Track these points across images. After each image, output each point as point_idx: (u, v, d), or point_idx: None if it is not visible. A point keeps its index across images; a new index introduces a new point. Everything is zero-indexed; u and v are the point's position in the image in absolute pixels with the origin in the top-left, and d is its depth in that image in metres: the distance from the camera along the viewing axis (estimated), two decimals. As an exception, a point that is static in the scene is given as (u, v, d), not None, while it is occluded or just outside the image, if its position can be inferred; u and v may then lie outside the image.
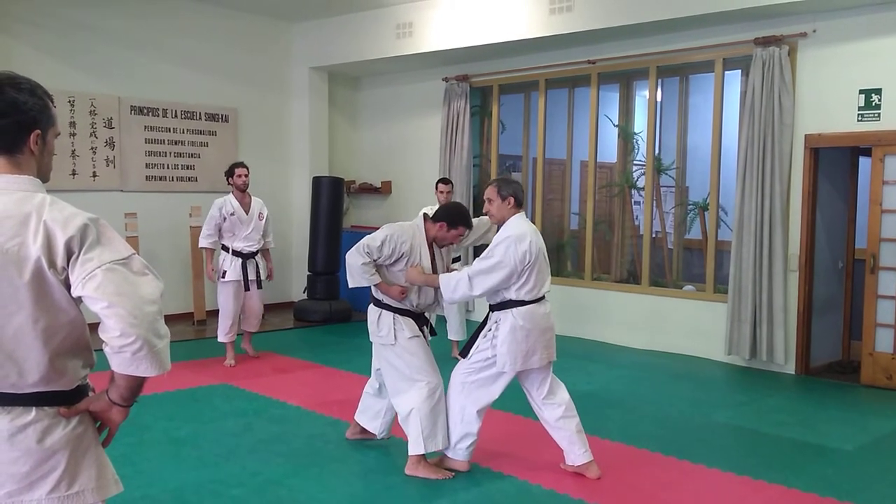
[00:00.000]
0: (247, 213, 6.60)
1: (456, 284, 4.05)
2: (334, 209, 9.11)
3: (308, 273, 9.20)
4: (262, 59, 9.47)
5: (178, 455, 4.42)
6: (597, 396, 5.83)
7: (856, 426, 5.27)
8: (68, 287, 1.72)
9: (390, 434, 4.60)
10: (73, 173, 7.93)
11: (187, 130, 8.86)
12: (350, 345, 7.67)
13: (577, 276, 8.45)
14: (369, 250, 4.15)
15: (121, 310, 1.66)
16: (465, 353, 4.22)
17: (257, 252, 6.67)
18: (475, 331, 4.25)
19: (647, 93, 7.92)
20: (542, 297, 4.12)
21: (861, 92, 6.30)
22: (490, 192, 4.19)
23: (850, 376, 6.63)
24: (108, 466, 1.90)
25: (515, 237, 4.00)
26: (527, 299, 4.04)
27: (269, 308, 8.48)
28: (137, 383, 1.80)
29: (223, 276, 6.55)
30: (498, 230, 4.19)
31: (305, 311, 8.96)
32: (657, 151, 7.87)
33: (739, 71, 7.19)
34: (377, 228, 4.35)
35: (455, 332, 6.97)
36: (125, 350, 1.69)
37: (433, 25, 8.42)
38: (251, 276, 6.63)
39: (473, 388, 4.13)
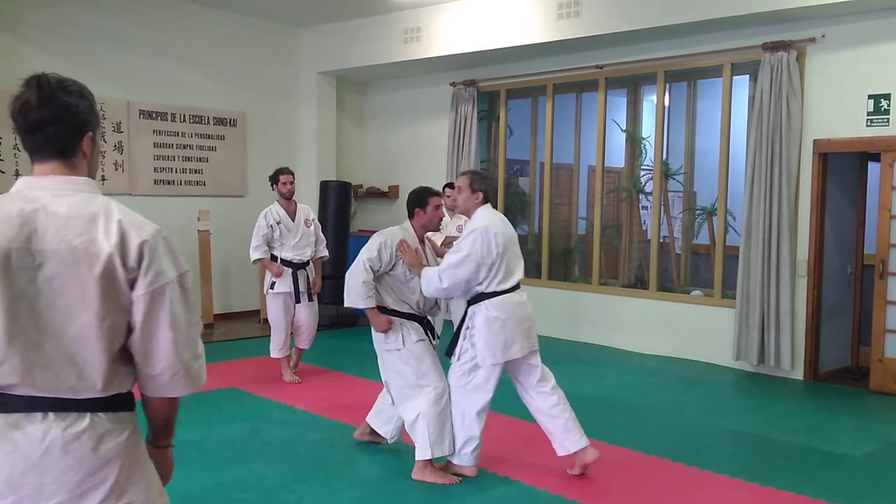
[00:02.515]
0: (293, 220, 6.34)
1: (429, 279, 4.08)
2: (341, 213, 9.13)
3: (315, 277, 9.21)
4: (270, 64, 9.51)
5: (186, 459, 4.41)
6: (604, 401, 5.81)
7: (865, 432, 5.24)
8: (131, 289, 1.70)
9: (399, 439, 4.60)
10: (83, 177, 7.96)
11: (196, 135, 8.89)
12: (357, 349, 7.66)
13: (584, 280, 8.44)
14: (370, 262, 4.18)
15: (178, 335, 1.70)
16: (449, 351, 4.22)
17: (308, 262, 6.39)
18: (455, 329, 4.25)
19: (654, 97, 7.91)
20: (517, 286, 4.12)
21: (870, 97, 6.28)
22: (462, 182, 4.21)
23: (858, 382, 6.60)
24: (157, 479, 1.86)
25: (482, 229, 4.02)
26: (498, 290, 4.04)
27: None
28: (172, 410, 1.84)
29: (272, 287, 6.27)
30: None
31: (312, 315, 8.96)
32: (665, 156, 7.85)
33: (748, 76, 7.18)
34: (384, 233, 4.38)
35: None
36: (163, 374, 1.72)
37: (441, 30, 8.44)
38: (301, 287, 6.29)
39: (468, 391, 4.12)
